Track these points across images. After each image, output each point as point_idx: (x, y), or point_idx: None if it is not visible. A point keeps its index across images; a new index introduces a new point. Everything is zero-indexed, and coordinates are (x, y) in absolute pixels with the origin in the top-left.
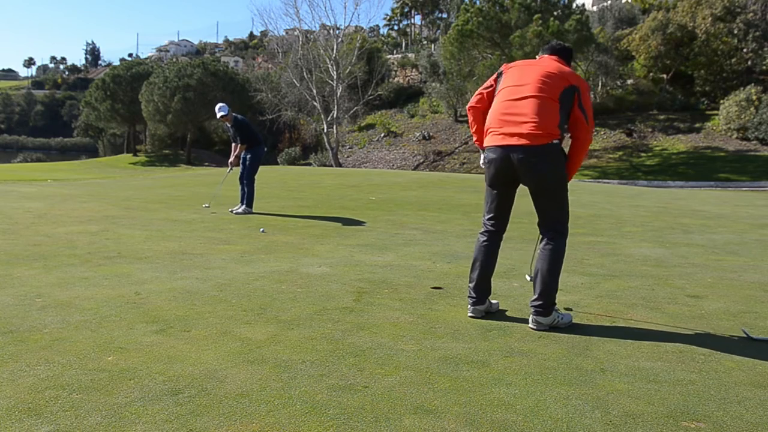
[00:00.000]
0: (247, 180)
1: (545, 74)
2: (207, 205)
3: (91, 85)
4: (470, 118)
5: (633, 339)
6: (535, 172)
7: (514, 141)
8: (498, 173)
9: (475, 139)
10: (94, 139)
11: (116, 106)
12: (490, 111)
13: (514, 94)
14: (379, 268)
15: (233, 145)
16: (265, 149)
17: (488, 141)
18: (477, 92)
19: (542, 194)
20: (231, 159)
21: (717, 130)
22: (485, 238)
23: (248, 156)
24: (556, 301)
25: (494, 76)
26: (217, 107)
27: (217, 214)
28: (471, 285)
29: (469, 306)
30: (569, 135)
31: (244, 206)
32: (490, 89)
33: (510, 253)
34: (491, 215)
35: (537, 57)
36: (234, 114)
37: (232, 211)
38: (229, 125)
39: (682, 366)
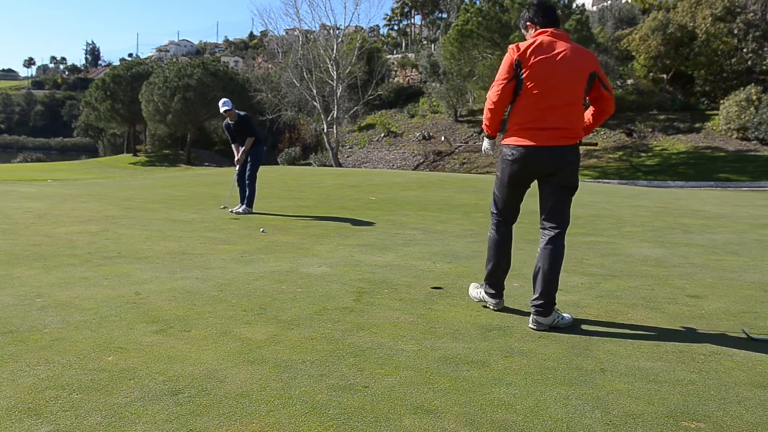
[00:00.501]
0: (249, 180)
1: (569, 71)
2: (225, 206)
3: (91, 85)
4: (491, 112)
5: (633, 339)
6: (564, 169)
7: (544, 143)
8: (522, 171)
9: (487, 125)
10: (94, 139)
11: (116, 106)
12: (516, 111)
13: (542, 102)
14: (379, 268)
15: (234, 145)
16: (264, 148)
17: (515, 141)
18: (498, 86)
19: (562, 190)
20: (238, 157)
21: (717, 130)
22: (504, 228)
23: (250, 156)
24: (556, 301)
25: (509, 64)
26: (221, 101)
27: (218, 215)
28: (493, 280)
29: (494, 301)
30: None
31: (244, 206)
32: (513, 83)
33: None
34: (507, 209)
35: (528, 29)
36: (237, 110)
37: (232, 211)
38: (230, 121)
39: (682, 366)
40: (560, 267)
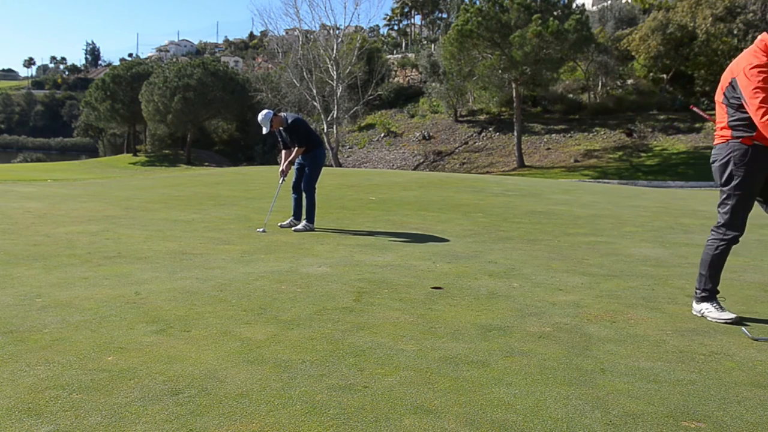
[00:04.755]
0: (307, 190)
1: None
2: (263, 229)
3: (91, 85)
4: None
5: (633, 339)
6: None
7: None
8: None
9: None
10: (94, 139)
11: (116, 106)
12: None
13: None
14: (379, 268)
15: (284, 151)
16: (324, 151)
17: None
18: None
19: None
20: (283, 167)
21: None
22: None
23: (307, 161)
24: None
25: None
26: (260, 118)
27: (218, 214)
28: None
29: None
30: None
31: (304, 222)
32: None
33: (510, 253)
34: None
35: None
36: (284, 115)
37: (281, 225)
38: (280, 129)
39: (682, 366)
40: (706, 262)
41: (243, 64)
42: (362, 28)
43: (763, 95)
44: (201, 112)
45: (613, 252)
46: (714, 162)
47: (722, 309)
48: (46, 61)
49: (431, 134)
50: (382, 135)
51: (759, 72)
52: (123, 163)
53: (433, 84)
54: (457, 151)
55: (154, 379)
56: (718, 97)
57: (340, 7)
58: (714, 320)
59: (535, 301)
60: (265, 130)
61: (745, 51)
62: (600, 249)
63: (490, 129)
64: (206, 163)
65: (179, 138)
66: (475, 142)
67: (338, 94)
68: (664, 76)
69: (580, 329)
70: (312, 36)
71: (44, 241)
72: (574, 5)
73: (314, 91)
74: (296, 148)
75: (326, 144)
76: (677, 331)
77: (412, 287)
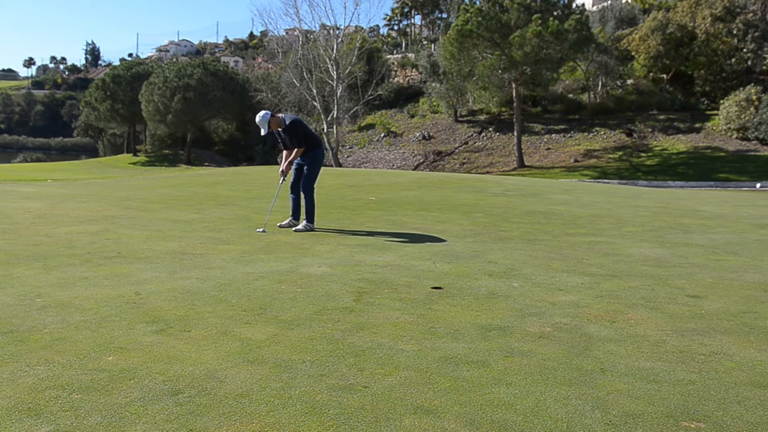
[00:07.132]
0: (306, 190)
1: None
2: (262, 230)
3: (91, 85)
4: None
5: (633, 339)
6: None
7: None
8: None
9: None
10: (94, 139)
11: (116, 106)
12: None
13: None
14: (379, 268)
15: (284, 151)
16: (323, 151)
17: None
18: None
19: None
20: (283, 167)
21: (717, 130)
22: None
23: (305, 161)
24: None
25: None
26: (258, 120)
27: (218, 214)
28: None
29: None
30: None
31: (305, 222)
32: None
33: (510, 253)
34: None
35: None
36: (282, 116)
37: (280, 225)
38: (279, 130)
39: (682, 366)
40: None
41: (243, 64)
42: (362, 28)
43: None
44: (201, 112)
45: (613, 252)
46: None
47: None
48: (46, 61)
49: (431, 134)
50: (382, 135)
51: None
52: (123, 163)
53: (433, 84)
54: (457, 151)
55: (154, 379)
56: None
57: (340, 7)
58: None
59: (535, 301)
60: (263, 132)
61: None
62: (600, 249)
63: (490, 129)
64: (206, 163)
65: (179, 138)
66: (475, 142)
67: (338, 94)
68: (664, 76)
69: (580, 329)
70: (312, 36)
71: (44, 241)
72: (574, 5)
73: (314, 91)
74: (295, 150)
75: (326, 144)
76: (677, 331)
77: (412, 287)
